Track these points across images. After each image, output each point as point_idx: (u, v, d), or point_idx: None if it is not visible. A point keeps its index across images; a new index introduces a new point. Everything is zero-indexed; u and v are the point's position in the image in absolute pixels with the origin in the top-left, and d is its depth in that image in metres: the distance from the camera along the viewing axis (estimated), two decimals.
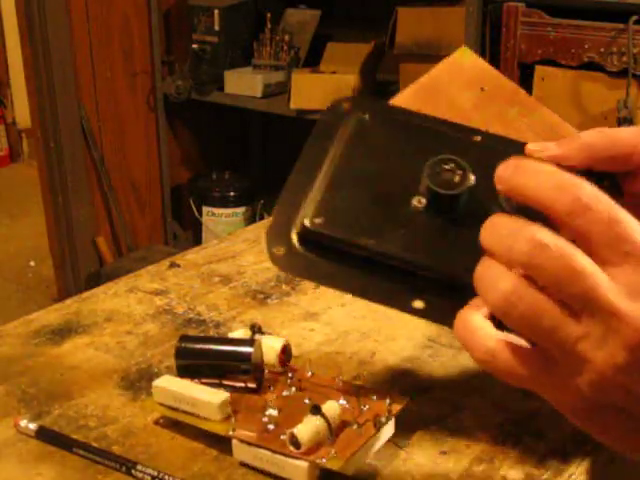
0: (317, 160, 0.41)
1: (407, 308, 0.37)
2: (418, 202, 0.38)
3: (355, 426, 0.42)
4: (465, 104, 0.48)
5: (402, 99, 0.48)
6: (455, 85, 0.49)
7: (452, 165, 0.37)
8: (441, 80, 0.49)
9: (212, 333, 0.57)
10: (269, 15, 2.13)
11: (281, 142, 2.57)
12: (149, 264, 0.69)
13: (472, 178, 0.37)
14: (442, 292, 0.37)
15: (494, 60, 1.64)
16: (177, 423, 0.45)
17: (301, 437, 0.40)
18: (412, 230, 0.37)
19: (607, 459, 0.46)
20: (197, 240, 2.34)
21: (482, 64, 0.50)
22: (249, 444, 0.42)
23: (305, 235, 0.39)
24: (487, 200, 0.36)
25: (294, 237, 0.39)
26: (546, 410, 0.46)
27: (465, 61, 0.50)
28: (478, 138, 0.41)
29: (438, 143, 0.39)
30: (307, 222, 0.39)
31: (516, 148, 0.38)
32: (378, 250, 0.37)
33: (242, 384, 0.46)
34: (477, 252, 0.33)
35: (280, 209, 0.41)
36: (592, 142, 0.38)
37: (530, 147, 0.38)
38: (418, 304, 0.37)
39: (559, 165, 0.34)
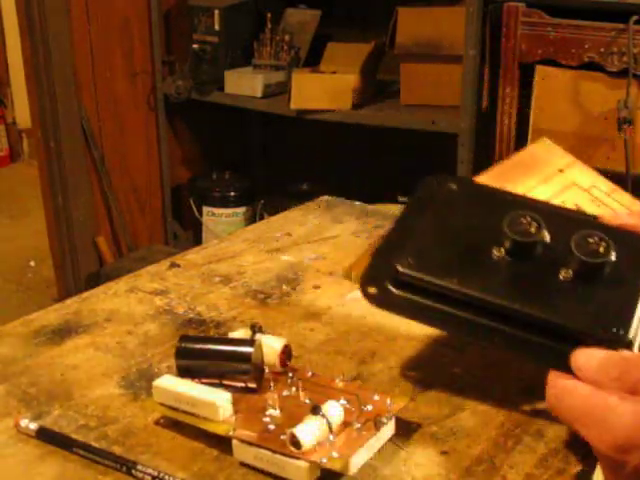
0: (411, 221, 0.47)
1: (492, 343, 0.42)
2: (498, 251, 0.43)
3: (355, 426, 0.42)
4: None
5: (483, 178, 0.49)
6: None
7: (528, 218, 0.42)
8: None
9: (212, 333, 0.57)
10: (269, 15, 2.13)
11: (281, 142, 2.57)
12: (149, 264, 0.70)
13: (545, 232, 0.42)
14: (520, 329, 0.41)
15: (494, 60, 1.64)
16: (177, 423, 0.45)
17: (301, 437, 0.40)
18: (492, 274, 0.42)
19: None
20: (197, 240, 2.34)
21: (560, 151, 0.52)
22: (249, 444, 0.42)
23: (397, 276, 0.43)
24: (559, 253, 0.42)
25: (387, 279, 0.43)
26: (546, 410, 0.46)
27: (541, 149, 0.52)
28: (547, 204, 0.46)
29: (514, 206, 0.44)
30: (399, 265, 0.43)
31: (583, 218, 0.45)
32: (460, 290, 0.42)
33: (242, 384, 0.46)
34: (547, 293, 0.41)
35: (376, 255, 0.46)
36: None
37: (601, 214, 0.42)
38: (499, 340, 0.41)
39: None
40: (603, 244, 0.41)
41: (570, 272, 0.41)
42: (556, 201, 0.49)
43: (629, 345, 0.38)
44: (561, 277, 0.41)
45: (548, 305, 0.41)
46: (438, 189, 0.48)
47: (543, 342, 0.40)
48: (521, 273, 0.42)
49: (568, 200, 0.50)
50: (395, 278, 0.43)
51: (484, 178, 0.49)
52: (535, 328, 0.40)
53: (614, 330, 0.39)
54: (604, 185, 0.51)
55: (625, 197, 0.50)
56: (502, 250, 0.43)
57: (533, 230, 0.42)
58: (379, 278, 0.44)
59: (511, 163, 0.51)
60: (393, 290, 0.43)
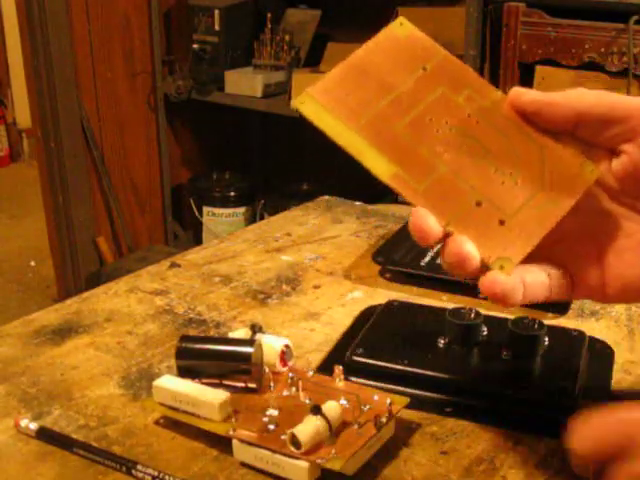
0: (359, 326, 0.55)
1: (442, 413, 0.47)
2: (443, 340, 0.50)
3: (355, 426, 0.42)
4: (402, 86, 0.40)
5: (329, 82, 0.40)
6: (390, 63, 0.40)
7: (467, 309, 0.50)
8: (373, 58, 0.41)
9: (212, 333, 0.57)
10: (269, 15, 2.13)
11: (281, 142, 2.57)
12: (149, 264, 0.70)
13: (482, 315, 0.50)
14: (465, 398, 0.47)
15: (494, 60, 1.64)
16: (177, 423, 0.45)
17: (301, 437, 0.40)
18: (441, 357, 0.49)
19: None
20: (197, 240, 2.34)
21: (422, 38, 0.42)
22: (249, 444, 0.42)
23: (349, 365, 0.49)
24: (495, 336, 0.50)
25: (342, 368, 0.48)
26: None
27: (401, 34, 0.42)
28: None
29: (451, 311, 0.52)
30: (350, 354, 0.50)
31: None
32: (410, 370, 0.48)
33: (242, 384, 0.46)
34: (479, 370, 0.49)
35: (333, 352, 0.54)
36: (584, 98, 0.39)
37: (513, 91, 0.39)
38: (448, 409, 0.47)
39: None
40: (534, 323, 0.49)
41: (510, 351, 0.49)
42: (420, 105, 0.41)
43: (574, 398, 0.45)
44: (502, 355, 0.49)
45: (497, 378, 0.48)
46: (385, 305, 0.56)
47: (494, 408, 0.47)
48: (468, 354, 0.49)
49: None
50: (347, 365, 0.49)
51: (330, 82, 0.40)
52: (487, 397, 0.47)
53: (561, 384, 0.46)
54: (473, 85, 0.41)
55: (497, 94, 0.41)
56: (447, 339, 0.50)
57: (473, 316, 0.50)
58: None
59: (360, 56, 0.41)
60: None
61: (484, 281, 0.37)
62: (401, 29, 0.42)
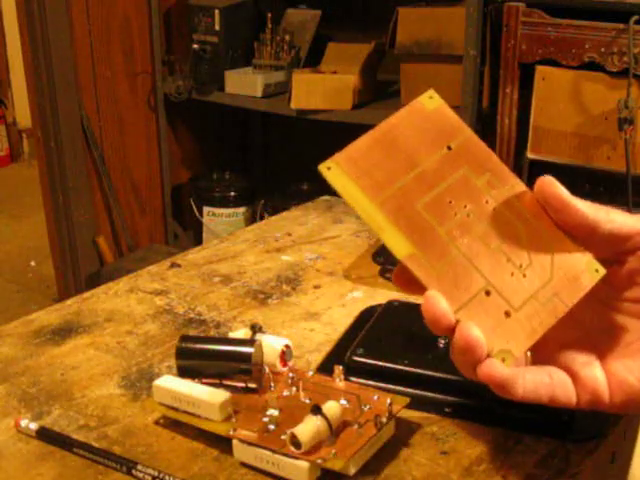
0: (360, 326, 0.55)
1: (442, 413, 0.47)
2: (443, 340, 0.50)
3: (356, 426, 0.42)
4: (427, 163, 0.41)
5: (356, 151, 0.40)
6: (417, 138, 0.41)
7: None
8: (402, 130, 0.41)
9: (212, 333, 0.57)
10: (270, 15, 2.12)
11: (281, 142, 2.57)
12: (149, 264, 0.70)
13: None
14: (465, 398, 0.48)
15: (494, 60, 1.64)
16: (177, 423, 0.45)
17: (301, 437, 0.40)
18: (438, 356, 0.49)
19: (607, 459, 0.46)
20: (197, 240, 2.34)
21: (449, 114, 0.42)
22: (249, 444, 0.42)
23: (349, 365, 0.49)
24: None
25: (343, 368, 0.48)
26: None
27: (430, 107, 0.42)
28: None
29: None
30: (351, 354, 0.50)
31: None
32: (410, 370, 0.49)
33: (242, 384, 0.46)
34: None
35: (333, 352, 0.54)
36: (614, 221, 0.39)
37: (547, 179, 0.40)
38: (448, 409, 0.48)
39: None
40: None
41: None
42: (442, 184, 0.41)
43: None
44: None
45: None
46: (385, 305, 0.56)
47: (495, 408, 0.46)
48: None
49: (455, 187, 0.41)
50: (347, 365, 0.49)
51: (360, 149, 0.40)
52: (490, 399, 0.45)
53: None
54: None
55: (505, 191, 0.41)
56: (447, 339, 0.48)
57: None
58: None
59: (389, 126, 0.41)
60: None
61: (483, 367, 0.37)
62: (430, 102, 0.42)
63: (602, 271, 0.40)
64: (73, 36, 2.07)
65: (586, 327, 0.41)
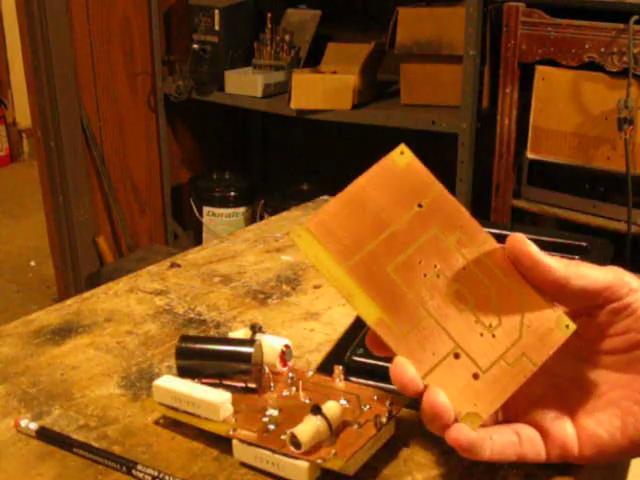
0: (360, 326, 0.53)
1: None
2: None
3: (355, 426, 0.42)
4: (397, 224, 0.40)
5: (326, 215, 0.40)
6: (386, 197, 0.40)
7: None
8: (370, 191, 0.40)
9: (212, 333, 0.57)
10: (269, 15, 2.13)
11: (281, 142, 2.57)
12: (149, 264, 0.70)
13: None
14: None
15: (494, 60, 1.64)
16: (177, 423, 0.45)
17: (301, 437, 0.40)
18: None
19: None
20: (197, 240, 2.34)
21: (420, 170, 0.41)
22: (249, 444, 0.42)
23: (349, 365, 0.49)
24: None
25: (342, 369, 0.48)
26: None
27: (401, 163, 0.41)
28: None
29: None
30: (351, 354, 0.50)
31: None
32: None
33: (242, 384, 0.46)
34: None
35: (333, 352, 0.53)
36: (587, 277, 0.39)
37: (517, 237, 0.40)
38: None
39: None
40: None
41: None
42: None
43: None
44: None
45: None
46: None
47: None
48: None
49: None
50: (347, 365, 0.49)
51: (328, 214, 0.40)
52: None
53: None
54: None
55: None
56: None
57: None
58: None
59: (358, 188, 0.41)
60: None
61: (451, 432, 0.38)
62: (401, 158, 0.41)
63: (572, 327, 0.40)
64: (73, 36, 2.07)
65: (557, 379, 0.42)
